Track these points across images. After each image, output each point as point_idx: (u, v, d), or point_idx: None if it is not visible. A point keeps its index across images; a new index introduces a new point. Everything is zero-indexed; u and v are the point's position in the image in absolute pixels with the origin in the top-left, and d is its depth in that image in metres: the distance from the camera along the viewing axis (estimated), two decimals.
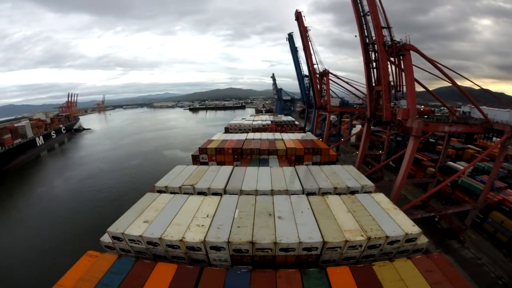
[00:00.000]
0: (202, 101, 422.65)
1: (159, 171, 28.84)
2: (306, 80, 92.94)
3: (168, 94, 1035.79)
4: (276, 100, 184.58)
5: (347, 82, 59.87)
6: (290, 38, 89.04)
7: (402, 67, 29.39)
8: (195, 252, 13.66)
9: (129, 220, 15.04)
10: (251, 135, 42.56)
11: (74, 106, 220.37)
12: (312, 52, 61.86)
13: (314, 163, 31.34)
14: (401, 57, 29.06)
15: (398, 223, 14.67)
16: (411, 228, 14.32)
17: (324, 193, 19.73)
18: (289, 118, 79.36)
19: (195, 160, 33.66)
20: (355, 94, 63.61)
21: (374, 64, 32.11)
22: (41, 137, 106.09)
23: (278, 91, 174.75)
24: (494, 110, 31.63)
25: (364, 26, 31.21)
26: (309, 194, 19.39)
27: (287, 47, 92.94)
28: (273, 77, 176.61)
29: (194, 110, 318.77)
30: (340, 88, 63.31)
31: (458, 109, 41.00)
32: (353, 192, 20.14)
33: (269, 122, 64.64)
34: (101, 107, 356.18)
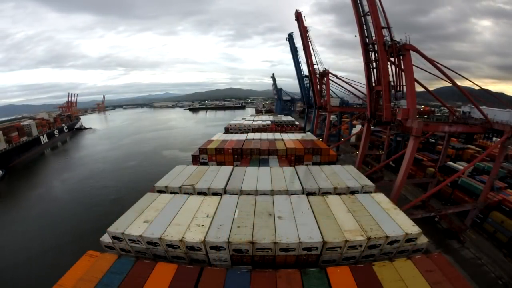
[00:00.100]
0: (202, 101, 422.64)
1: (159, 171, 28.85)
2: (306, 80, 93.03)
3: (168, 94, 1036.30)
4: (276, 100, 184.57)
5: (347, 82, 60.01)
6: (290, 38, 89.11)
7: (402, 67, 29.39)
8: (195, 252, 13.66)
9: (129, 220, 15.05)
10: (251, 135, 42.57)
11: (74, 106, 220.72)
12: (312, 52, 61.90)
13: (314, 163, 31.34)
14: (401, 57, 29.05)
15: (398, 223, 14.68)
16: (411, 228, 14.33)
17: (324, 193, 19.74)
18: (289, 118, 79.31)
19: (195, 160, 33.66)
20: (355, 94, 63.65)
21: (374, 64, 32.10)
22: (45, 135, 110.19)
23: (278, 91, 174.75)
24: (494, 110, 31.61)
25: (364, 26, 31.19)
26: (309, 194, 19.40)
27: (288, 47, 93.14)
28: (273, 77, 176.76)
29: (194, 110, 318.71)
30: (340, 88, 63.44)
31: (458, 109, 40.96)
32: (353, 192, 20.15)
33: (269, 122, 64.62)
34: (101, 107, 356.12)
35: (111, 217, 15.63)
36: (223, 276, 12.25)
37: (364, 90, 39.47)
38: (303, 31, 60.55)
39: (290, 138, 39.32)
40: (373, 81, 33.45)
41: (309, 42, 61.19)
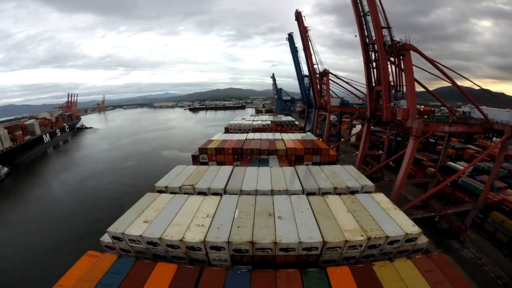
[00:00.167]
0: (202, 101, 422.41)
1: (159, 171, 28.87)
2: (306, 80, 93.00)
3: (168, 94, 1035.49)
4: (276, 100, 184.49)
5: (347, 82, 59.97)
6: (290, 38, 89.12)
7: (402, 67, 29.37)
8: (195, 252, 13.66)
9: (129, 220, 15.04)
10: (251, 135, 42.55)
11: (74, 106, 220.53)
12: (312, 52, 61.88)
13: (314, 163, 31.33)
14: (401, 57, 29.04)
15: (398, 223, 14.68)
16: (411, 228, 14.32)
17: (324, 193, 19.73)
18: (289, 118, 79.30)
19: (195, 160, 33.64)
20: (355, 94, 63.60)
21: (374, 64, 32.09)
22: (47, 134, 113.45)
23: (278, 91, 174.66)
24: (494, 110, 31.60)
25: (364, 26, 31.17)
26: (309, 194, 19.40)
27: (288, 47, 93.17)
28: (273, 77, 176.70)
29: (194, 110, 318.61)
30: (340, 88, 63.38)
31: (458, 109, 40.95)
32: (353, 192, 20.14)
33: (269, 122, 64.60)
34: (101, 107, 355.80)
35: (111, 217, 15.62)
36: (223, 276, 12.24)
37: (364, 90, 39.47)
38: (303, 31, 60.56)
39: (290, 138, 39.30)
40: (373, 81, 33.43)
41: (309, 42, 61.21)
